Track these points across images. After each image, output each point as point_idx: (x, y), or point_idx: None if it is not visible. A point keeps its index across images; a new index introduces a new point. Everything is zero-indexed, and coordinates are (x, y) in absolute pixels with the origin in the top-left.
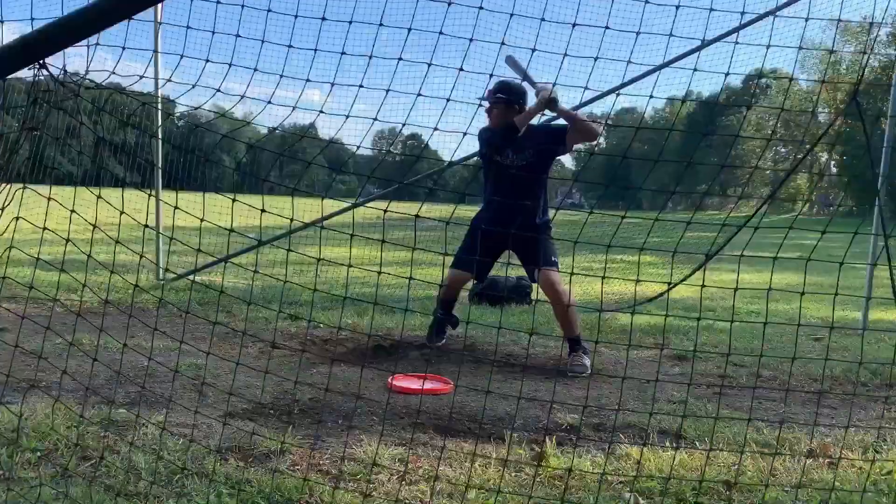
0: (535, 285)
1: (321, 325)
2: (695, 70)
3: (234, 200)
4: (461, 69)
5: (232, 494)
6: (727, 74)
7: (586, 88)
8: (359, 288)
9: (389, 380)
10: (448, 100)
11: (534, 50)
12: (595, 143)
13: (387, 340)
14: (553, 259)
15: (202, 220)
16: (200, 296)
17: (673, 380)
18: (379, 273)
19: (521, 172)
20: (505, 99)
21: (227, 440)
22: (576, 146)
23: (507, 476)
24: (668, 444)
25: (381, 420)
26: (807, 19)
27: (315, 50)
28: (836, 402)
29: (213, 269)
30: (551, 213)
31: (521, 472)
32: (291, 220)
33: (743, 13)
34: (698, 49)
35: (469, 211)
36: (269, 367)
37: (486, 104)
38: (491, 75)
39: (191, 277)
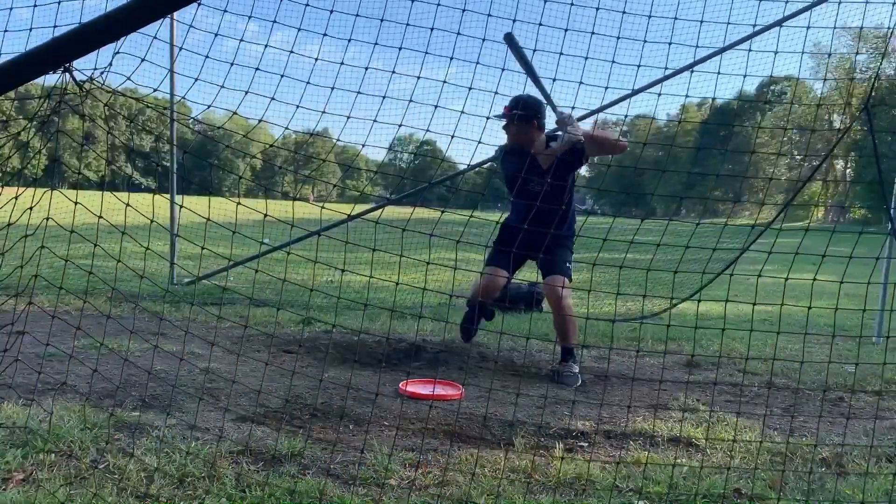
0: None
1: (334, 330)
2: (686, 96)
3: (238, 204)
4: (470, 88)
5: (244, 498)
6: (713, 99)
7: (599, 107)
8: (371, 293)
9: (401, 385)
10: (462, 112)
11: (554, 80)
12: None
13: (400, 344)
14: (566, 266)
15: (235, 232)
16: (214, 299)
17: (683, 387)
18: (397, 284)
19: (547, 192)
20: (523, 115)
21: (240, 444)
22: (596, 157)
23: (517, 482)
24: (678, 451)
25: (393, 425)
26: (776, 45)
27: (332, 88)
28: (851, 411)
29: (228, 273)
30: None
31: (530, 478)
32: (318, 233)
33: (726, 48)
34: (689, 67)
35: (482, 217)
36: (281, 372)
37: (503, 120)
38: (495, 93)
39: (211, 280)
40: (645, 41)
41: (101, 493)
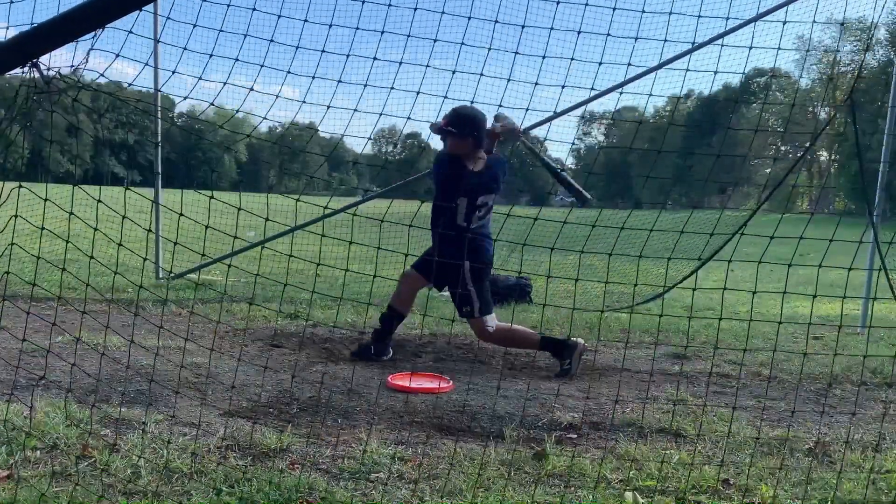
0: (534, 285)
1: (320, 324)
2: (662, 96)
3: (219, 203)
4: (454, 71)
5: (231, 493)
6: (683, 97)
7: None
8: (356, 287)
9: (389, 378)
10: (445, 97)
11: (544, 57)
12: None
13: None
14: (466, 307)
15: (207, 226)
16: (199, 295)
17: (671, 379)
18: (374, 276)
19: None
20: (456, 133)
21: (227, 438)
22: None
23: (507, 474)
24: (666, 442)
25: (381, 418)
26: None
27: (313, 77)
28: (836, 401)
29: (212, 268)
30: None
31: (520, 470)
32: (294, 228)
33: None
34: (675, 58)
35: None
36: (268, 366)
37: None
38: (481, 74)
39: (190, 276)
40: (615, 37)
41: (88, 488)
